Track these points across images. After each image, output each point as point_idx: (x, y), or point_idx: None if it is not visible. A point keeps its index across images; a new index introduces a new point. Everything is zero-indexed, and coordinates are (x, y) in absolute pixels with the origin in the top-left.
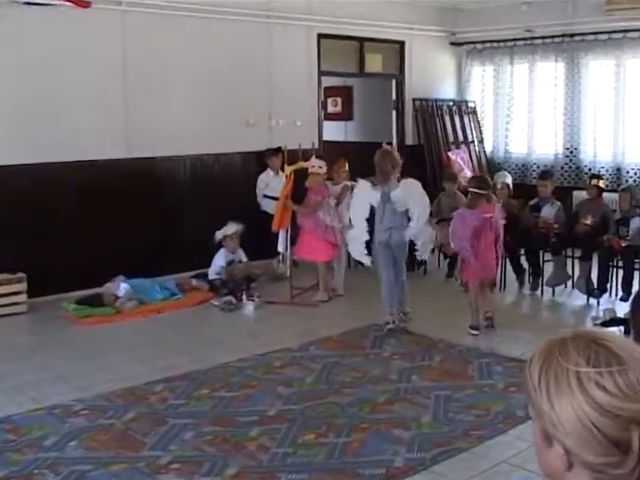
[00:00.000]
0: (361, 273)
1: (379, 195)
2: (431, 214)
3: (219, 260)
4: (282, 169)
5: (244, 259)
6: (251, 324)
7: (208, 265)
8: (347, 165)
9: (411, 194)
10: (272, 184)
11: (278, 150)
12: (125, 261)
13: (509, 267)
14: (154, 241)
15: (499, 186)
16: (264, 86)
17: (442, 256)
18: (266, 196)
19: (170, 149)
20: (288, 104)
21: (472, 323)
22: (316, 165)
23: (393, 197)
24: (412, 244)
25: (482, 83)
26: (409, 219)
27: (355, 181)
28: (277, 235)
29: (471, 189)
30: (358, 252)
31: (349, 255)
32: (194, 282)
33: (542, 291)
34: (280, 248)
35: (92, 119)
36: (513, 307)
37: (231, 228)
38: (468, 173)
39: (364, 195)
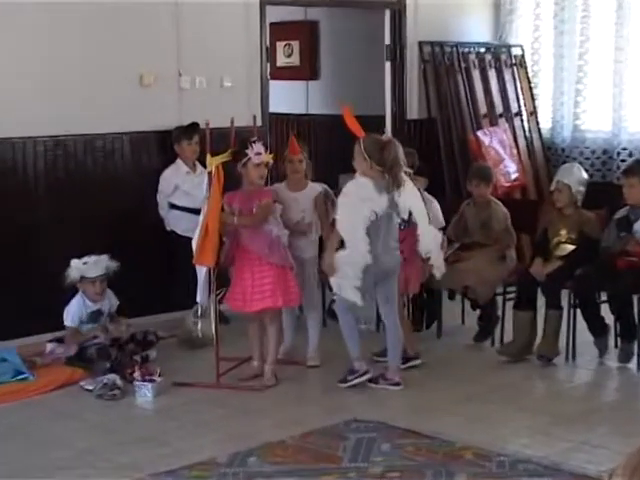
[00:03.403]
0: (333, 334)
1: (385, 201)
2: (449, 238)
3: (74, 311)
4: (201, 161)
5: (115, 303)
6: (149, 421)
7: None
8: (306, 153)
9: (411, 194)
10: (185, 186)
11: (194, 129)
12: None
13: (581, 322)
14: None
15: (553, 187)
16: (169, 22)
17: (468, 305)
18: (175, 207)
19: (5, 127)
20: (210, 53)
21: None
22: (262, 153)
23: (401, 203)
24: None
25: (535, 15)
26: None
27: (320, 182)
28: (195, 274)
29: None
30: (350, 286)
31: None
32: (50, 348)
33: (639, 363)
34: (199, 297)
35: None
36: (589, 390)
37: (98, 267)
38: (511, 167)
39: (366, 197)
